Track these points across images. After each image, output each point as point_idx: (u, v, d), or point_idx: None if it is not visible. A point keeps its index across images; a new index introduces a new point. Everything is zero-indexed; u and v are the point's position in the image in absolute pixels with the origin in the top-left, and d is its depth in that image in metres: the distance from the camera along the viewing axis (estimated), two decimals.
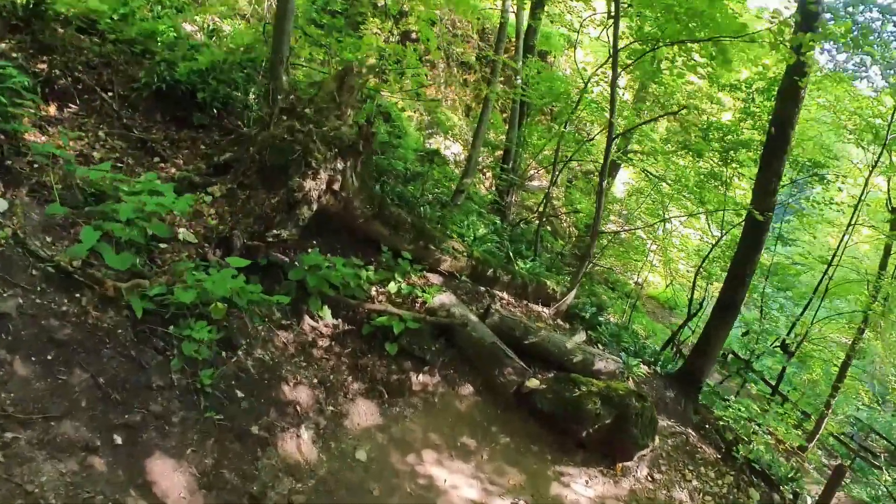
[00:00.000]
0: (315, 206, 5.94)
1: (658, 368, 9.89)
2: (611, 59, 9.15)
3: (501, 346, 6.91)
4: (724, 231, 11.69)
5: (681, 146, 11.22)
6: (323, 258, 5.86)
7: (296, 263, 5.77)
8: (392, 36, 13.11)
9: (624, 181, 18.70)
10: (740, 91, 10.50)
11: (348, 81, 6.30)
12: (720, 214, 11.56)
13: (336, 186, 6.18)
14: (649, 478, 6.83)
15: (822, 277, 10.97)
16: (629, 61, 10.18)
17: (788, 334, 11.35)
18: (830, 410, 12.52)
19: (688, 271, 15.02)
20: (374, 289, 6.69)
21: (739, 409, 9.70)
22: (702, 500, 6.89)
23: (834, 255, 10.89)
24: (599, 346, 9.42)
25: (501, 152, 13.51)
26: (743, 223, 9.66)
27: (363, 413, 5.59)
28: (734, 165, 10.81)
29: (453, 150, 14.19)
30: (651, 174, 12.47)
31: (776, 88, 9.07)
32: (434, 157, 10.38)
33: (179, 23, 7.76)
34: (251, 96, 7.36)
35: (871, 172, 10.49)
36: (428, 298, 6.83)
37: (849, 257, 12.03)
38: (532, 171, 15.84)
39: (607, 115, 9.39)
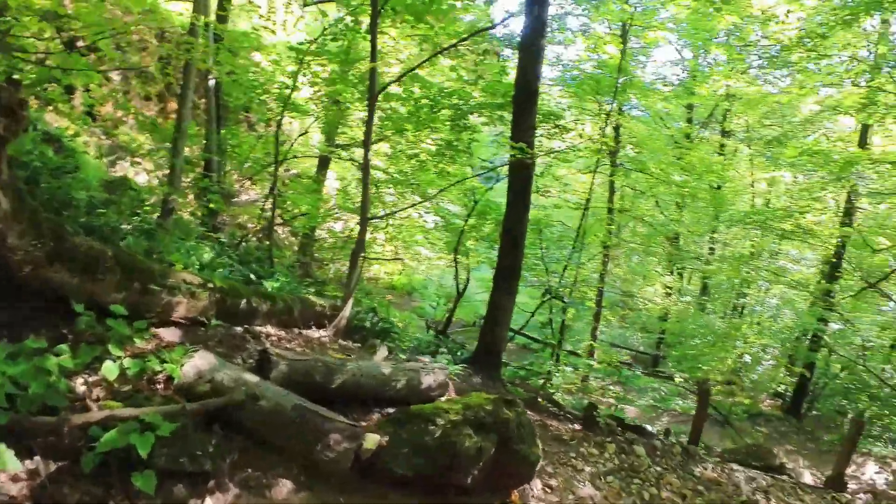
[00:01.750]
0: None
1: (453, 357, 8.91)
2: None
3: (309, 406, 4.50)
4: (477, 200, 10.91)
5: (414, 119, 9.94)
6: None
7: None
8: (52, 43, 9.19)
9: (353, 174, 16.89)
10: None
11: None
12: (468, 185, 10.83)
13: None
14: (546, 489, 5.35)
15: (580, 223, 10.89)
16: None
17: (560, 283, 11.15)
18: (597, 340, 13.15)
19: (434, 253, 14.34)
20: (79, 382, 3.70)
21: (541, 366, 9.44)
22: (606, 483, 5.66)
23: (588, 201, 10.91)
24: (401, 355, 7.65)
25: (202, 167, 10.70)
26: (508, 184, 8.94)
27: None
28: (469, 132, 10.09)
29: (142, 178, 10.80)
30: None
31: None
32: (125, 183, 7.50)
33: None
34: None
35: (607, 120, 10.67)
36: (174, 371, 4.03)
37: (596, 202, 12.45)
38: (238, 185, 13.30)
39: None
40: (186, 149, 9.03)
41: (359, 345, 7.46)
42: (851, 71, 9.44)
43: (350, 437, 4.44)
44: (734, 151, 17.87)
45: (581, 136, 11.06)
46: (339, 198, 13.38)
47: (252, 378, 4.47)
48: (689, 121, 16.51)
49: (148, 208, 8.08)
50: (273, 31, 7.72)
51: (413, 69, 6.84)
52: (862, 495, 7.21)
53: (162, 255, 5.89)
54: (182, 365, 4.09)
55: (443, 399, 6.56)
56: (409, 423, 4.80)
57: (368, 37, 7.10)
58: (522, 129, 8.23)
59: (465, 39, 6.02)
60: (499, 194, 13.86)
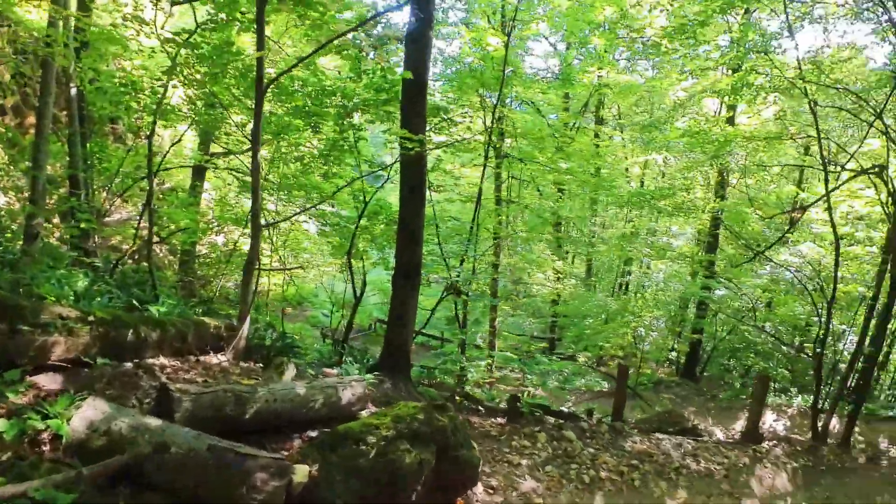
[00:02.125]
0: None
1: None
2: None
3: (226, 445, 3.97)
4: (367, 200, 10.52)
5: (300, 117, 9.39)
6: None
7: None
8: None
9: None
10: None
11: None
12: (356, 187, 10.43)
13: None
14: (489, 490, 5.19)
15: (474, 215, 10.84)
16: None
17: (459, 277, 11.06)
18: (496, 330, 13.33)
19: (324, 261, 13.83)
20: None
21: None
22: (546, 474, 5.59)
23: (479, 193, 10.87)
24: (310, 371, 7.16)
25: (67, 185, 9.47)
26: (401, 180, 8.69)
27: None
28: (354, 131, 9.72)
29: None
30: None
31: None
32: None
33: None
34: None
35: (494, 113, 10.66)
36: (61, 428, 3.39)
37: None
38: (108, 204, 11.98)
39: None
40: (49, 166, 7.91)
41: (262, 365, 6.87)
42: (726, 55, 10.15)
43: (278, 474, 3.97)
44: (609, 138, 18.84)
45: (469, 129, 11.07)
46: (217, 209, 12.45)
47: (154, 422, 3.88)
48: (566, 110, 17.13)
49: (10, 234, 6.97)
50: (144, 22, 6.86)
51: (306, 57, 6.31)
52: (775, 442, 7.73)
53: (30, 288, 5.06)
54: (69, 418, 3.45)
55: (365, 413, 6.21)
56: (339, 447, 4.42)
57: (250, 29, 6.50)
58: (414, 122, 8.02)
59: (356, 28, 5.65)
60: (388, 193, 13.64)
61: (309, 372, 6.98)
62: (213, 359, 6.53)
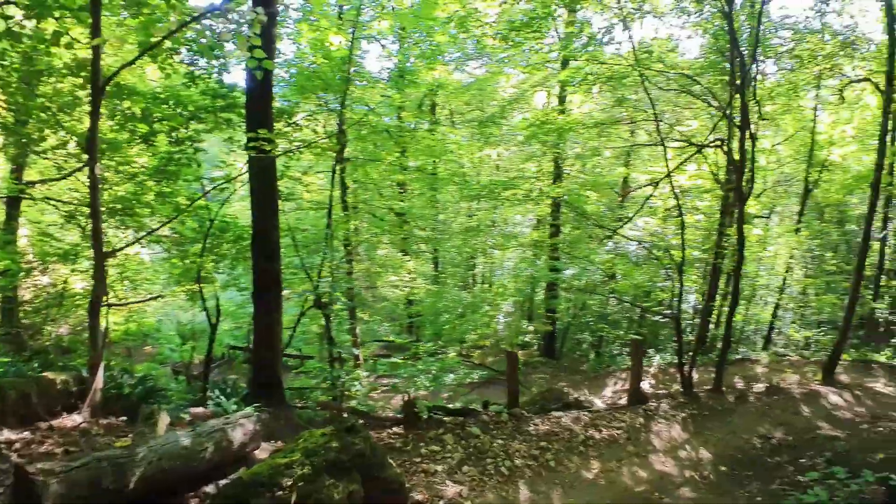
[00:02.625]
0: None
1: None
2: None
3: None
4: (212, 218, 9.57)
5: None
6: None
7: None
8: None
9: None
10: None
11: None
12: (199, 205, 9.45)
13: None
14: None
15: (328, 221, 10.40)
16: None
17: (319, 289, 10.55)
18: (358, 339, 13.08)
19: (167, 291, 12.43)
20: None
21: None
22: (465, 475, 5.43)
23: (331, 200, 10.43)
24: (183, 416, 6.32)
25: None
26: (251, 188, 8.11)
27: None
28: (191, 142, 8.81)
29: None
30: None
31: None
32: None
33: None
34: None
35: (340, 116, 10.26)
36: None
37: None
38: None
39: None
40: None
41: (125, 418, 5.88)
42: (558, 51, 10.75)
43: None
44: (444, 136, 19.22)
45: (315, 132, 10.55)
46: (36, 246, 10.58)
47: None
48: (401, 109, 17.16)
49: None
50: None
51: (150, 48, 5.37)
52: (657, 399, 8.31)
53: None
54: None
55: (259, 452, 5.60)
56: (252, 499, 3.87)
57: (85, 22, 5.44)
58: (261, 124, 7.39)
59: (195, 19, 4.94)
60: (235, 210, 12.61)
61: (182, 417, 6.11)
62: (68, 420, 5.49)
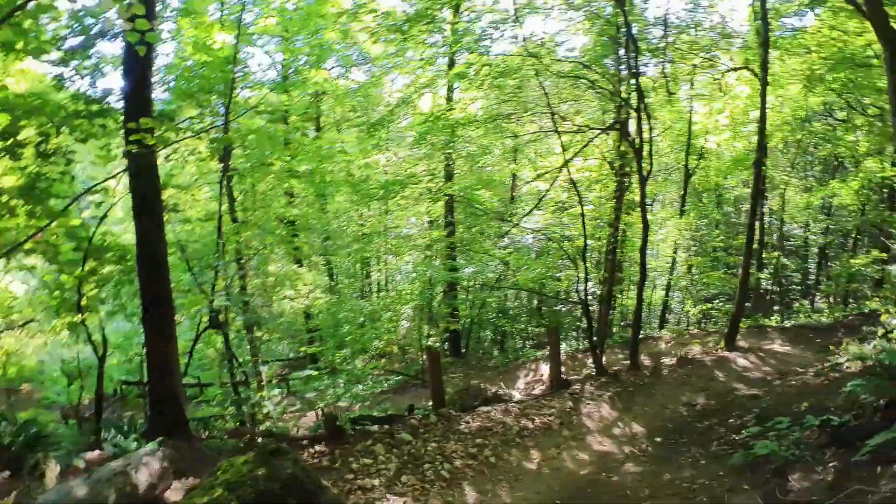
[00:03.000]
0: None
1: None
2: None
3: None
4: (90, 237, 8.57)
5: None
6: None
7: None
8: None
9: None
10: None
11: None
12: (75, 223, 8.47)
13: None
14: None
15: (219, 231, 9.74)
16: None
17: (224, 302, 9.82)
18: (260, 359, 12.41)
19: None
20: None
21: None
22: (405, 485, 5.23)
23: (220, 209, 9.74)
24: (78, 463, 5.53)
25: None
26: (132, 198, 7.41)
27: None
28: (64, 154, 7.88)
29: None
30: None
31: None
32: None
33: None
34: None
35: (227, 118, 9.59)
36: None
37: None
38: None
39: None
40: None
41: (7, 473, 5.01)
42: (441, 52, 10.75)
43: None
44: (331, 142, 18.75)
45: (201, 138, 9.80)
46: None
47: None
48: (287, 112, 16.55)
49: None
50: None
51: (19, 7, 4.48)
52: (580, 385, 8.42)
53: None
54: None
55: (171, 493, 4.97)
56: None
57: None
58: (142, 114, 6.80)
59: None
60: (113, 229, 11.45)
61: (77, 464, 5.33)
62: None
